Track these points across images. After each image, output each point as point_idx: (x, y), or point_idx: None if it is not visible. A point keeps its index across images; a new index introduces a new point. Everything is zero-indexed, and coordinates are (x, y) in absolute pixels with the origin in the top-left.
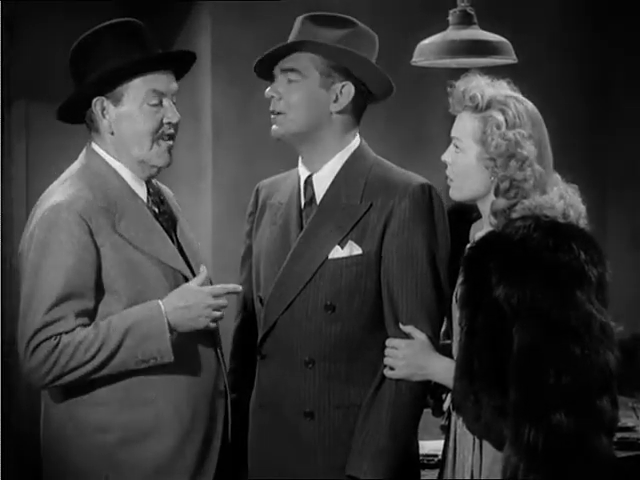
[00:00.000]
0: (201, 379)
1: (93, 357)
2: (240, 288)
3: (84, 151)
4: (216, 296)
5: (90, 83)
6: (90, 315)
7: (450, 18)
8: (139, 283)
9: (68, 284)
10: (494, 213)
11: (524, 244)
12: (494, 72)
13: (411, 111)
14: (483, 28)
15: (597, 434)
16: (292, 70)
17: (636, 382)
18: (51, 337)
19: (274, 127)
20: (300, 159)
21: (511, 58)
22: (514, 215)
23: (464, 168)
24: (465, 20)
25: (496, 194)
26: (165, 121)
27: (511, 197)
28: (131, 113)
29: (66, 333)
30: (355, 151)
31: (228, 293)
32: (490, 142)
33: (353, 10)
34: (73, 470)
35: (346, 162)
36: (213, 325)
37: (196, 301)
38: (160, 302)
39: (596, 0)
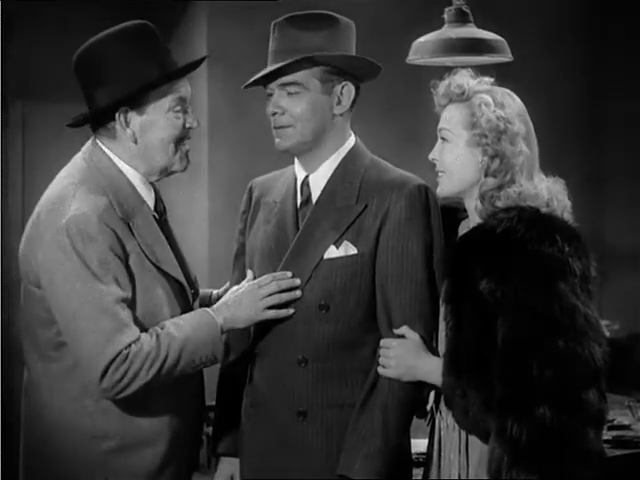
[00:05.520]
0: (191, 387)
1: (158, 371)
2: (289, 274)
3: (89, 148)
4: (263, 285)
5: (120, 98)
6: (138, 319)
7: (445, 16)
8: (152, 294)
9: (120, 290)
10: (482, 196)
11: (507, 236)
12: (489, 70)
13: (407, 109)
14: (479, 26)
15: (582, 427)
16: (293, 84)
17: (632, 380)
18: (123, 348)
19: (279, 141)
20: (296, 159)
21: (507, 56)
22: (499, 204)
23: (453, 157)
24: (461, 18)
25: (486, 175)
26: (187, 126)
27: (501, 176)
28: (157, 121)
29: (134, 342)
30: (351, 150)
31: (276, 280)
32: (480, 119)
33: (349, 9)
34: (65, 477)
35: (342, 162)
36: (271, 313)
37: (243, 295)
38: (207, 309)
39: None
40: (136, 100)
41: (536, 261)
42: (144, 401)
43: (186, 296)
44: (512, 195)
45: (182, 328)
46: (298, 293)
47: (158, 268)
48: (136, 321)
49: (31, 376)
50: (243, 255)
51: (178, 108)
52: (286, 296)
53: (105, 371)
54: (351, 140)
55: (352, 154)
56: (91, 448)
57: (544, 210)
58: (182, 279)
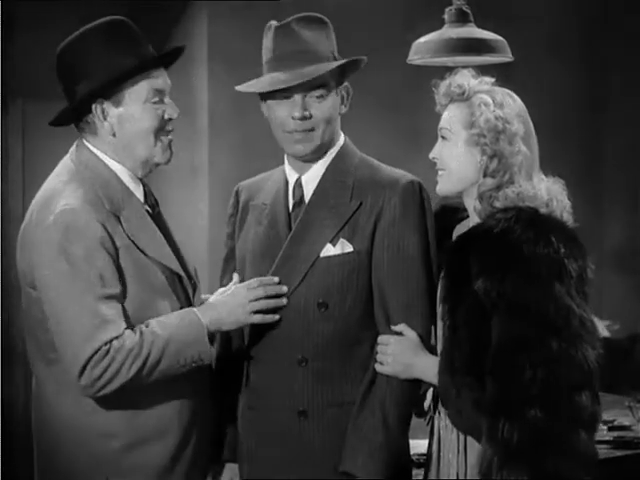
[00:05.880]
0: (200, 382)
1: (140, 369)
2: (276, 279)
3: (75, 149)
4: (252, 288)
5: (94, 88)
6: (126, 314)
7: (446, 16)
8: (147, 287)
9: (105, 285)
10: (480, 196)
11: (504, 237)
12: (489, 70)
13: (407, 109)
14: (479, 26)
15: (574, 430)
16: (321, 87)
17: (632, 381)
18: (102, 345)
19: (301, 146)
20: (287, 160)
21: (507, 56)
22: (497, 204)
23: (452, 156)
24: (461, 18)
25: (484, 175)
26: (166, 117)
27: (500, 176)
28: (133, 113)
29: (116, 338)
30: (341, 149)
31: (263, 285)
32: (479, 118)
33: (350, 9)
34: (74, 477)
35: (333, 161)
36: (257, 318)
37: (231, 295)
38: (194, 308)
39: None
40: (112, 92)
41: (531, 262)
42: (148, 397)
43: (185, 287)
44: (510, 195)
45: (167, 327)
46: (284, 301)
47: (153, 260)
48: (126, 316)
49: (37, 378)
50: (233, 259)
51: (155, 99)
52: (273, 302)
53: (84, 368)
54: (341, 139)
55: (342, 153)
56: (99, 447)
57: (543, 210)
58: (179, 269)
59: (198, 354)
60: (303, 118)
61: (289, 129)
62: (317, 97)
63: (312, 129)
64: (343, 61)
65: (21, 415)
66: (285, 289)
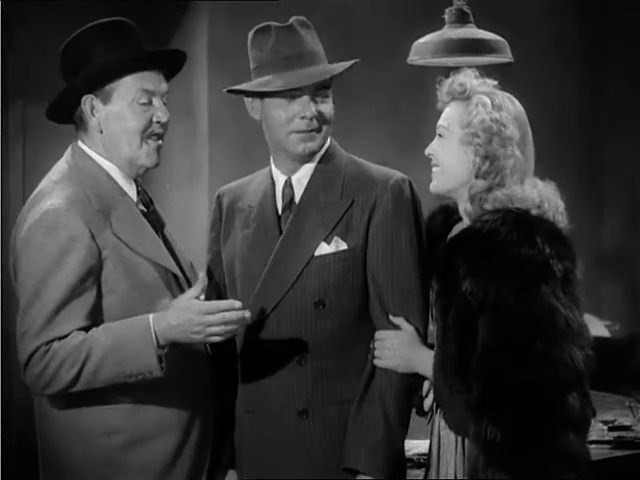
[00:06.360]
0: (200, 378)
1: (78, 374)
2: (238, 304)
3: (70, 150)
4: (209, 313)
5: (80, 80)
6: (91, 317)
7: (446, 17)
8: (139, 285)
9: (69, 289)
10: (471, 198)
11: (490, 238)
12: (489, 70)
13: (407, 110)
14: (479, 27)
15: (561, 430)
16: (329, 87)
17: (633, 381)
18: (42, 344)
19: (309, 145)
20: (273, 162)
21: (507, 57)
22: (487, 206)
23: (447, 153)
24: (461, 18)
25: (476, 176)
26: (155, 120)
27: (490, 178)
28: (120, 111)
29: (59, 339)
30: (328, 149)
31: (223, 310)
32: (474, 118)
33: (351, 10)
34: (77, 475)
35: (321, 160)
36: (216, 339)
37: (186, 319)
38: (150, 318)
39: None
40: (100, 88)
41: (516, 263)
42: (149, 394)
43: (181, 285)
44: (500, 197)
45: (113, 335)
46: (246, 321)
47: (145, 258)
48: (94, 318)
49: None
50: (219, 266)
51: (144, 100)
52: (231, 329)
53: (25, 366)
54: (328, 139)
55: (330, 153)
56: (102, 444)
57: (534, 212)
58: (174, 268)
59: (146, 367)
60: (313, 117)
61: (298, 129)
62: (324, 97)
63: (320, 128)
64: (352, 62)
65: (22, 413)
66: (248, 314)
